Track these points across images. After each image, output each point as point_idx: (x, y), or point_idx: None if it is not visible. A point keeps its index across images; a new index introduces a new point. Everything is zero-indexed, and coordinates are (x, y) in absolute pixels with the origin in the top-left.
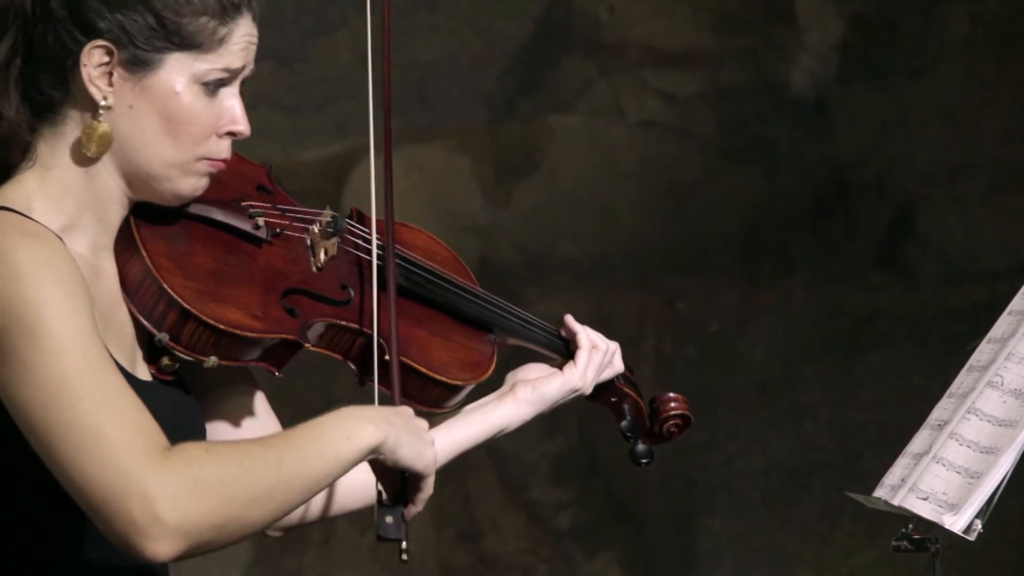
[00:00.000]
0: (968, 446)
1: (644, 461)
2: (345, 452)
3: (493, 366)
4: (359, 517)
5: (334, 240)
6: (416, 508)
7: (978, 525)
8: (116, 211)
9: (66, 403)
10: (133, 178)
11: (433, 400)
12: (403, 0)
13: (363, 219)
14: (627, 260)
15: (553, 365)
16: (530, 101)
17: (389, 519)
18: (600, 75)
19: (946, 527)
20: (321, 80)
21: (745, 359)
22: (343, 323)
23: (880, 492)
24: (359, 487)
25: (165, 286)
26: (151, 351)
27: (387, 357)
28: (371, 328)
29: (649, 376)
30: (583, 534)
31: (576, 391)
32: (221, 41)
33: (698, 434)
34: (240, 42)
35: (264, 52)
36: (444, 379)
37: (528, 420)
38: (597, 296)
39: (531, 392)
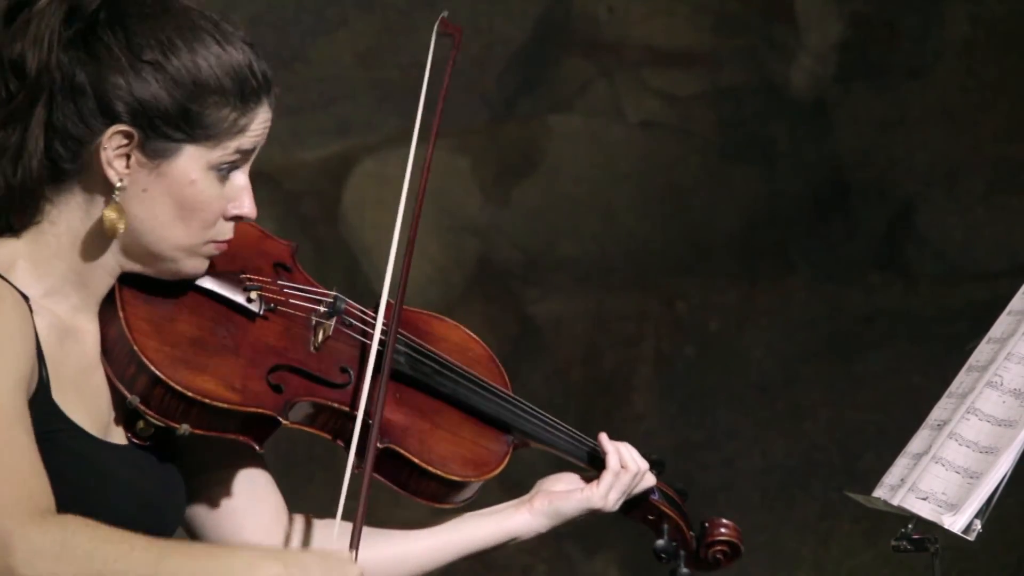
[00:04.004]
0: (967, 446)
1: None
2: None
3: (502, 466)
4: None
5: (331, 321)
6: None
7: (977, 525)
8: (104, 279)
9: None
10: (136, 255)
11: (431, 495)
12: (403, 0)
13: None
14: (627, 260)
15: (584, 476)
16: (529, 101)
17: None
18: (599, 75)
19: (945, 527)
20: (321, 80)
21: (744, 359)
22: (334, 405)
23: (880, 492)
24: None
25: (135, 348)
26: (128, 415)
27: (379, 445)
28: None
29: (649, 376)
30: (583, 534)
31: (596, 510)
32: (240, 131)
33: (697, 434)
34: (257, 128)
35: (264, 52)
36: (440, 473)
37: (543, 532)
38: (596, 296)
39: (547, 505)
